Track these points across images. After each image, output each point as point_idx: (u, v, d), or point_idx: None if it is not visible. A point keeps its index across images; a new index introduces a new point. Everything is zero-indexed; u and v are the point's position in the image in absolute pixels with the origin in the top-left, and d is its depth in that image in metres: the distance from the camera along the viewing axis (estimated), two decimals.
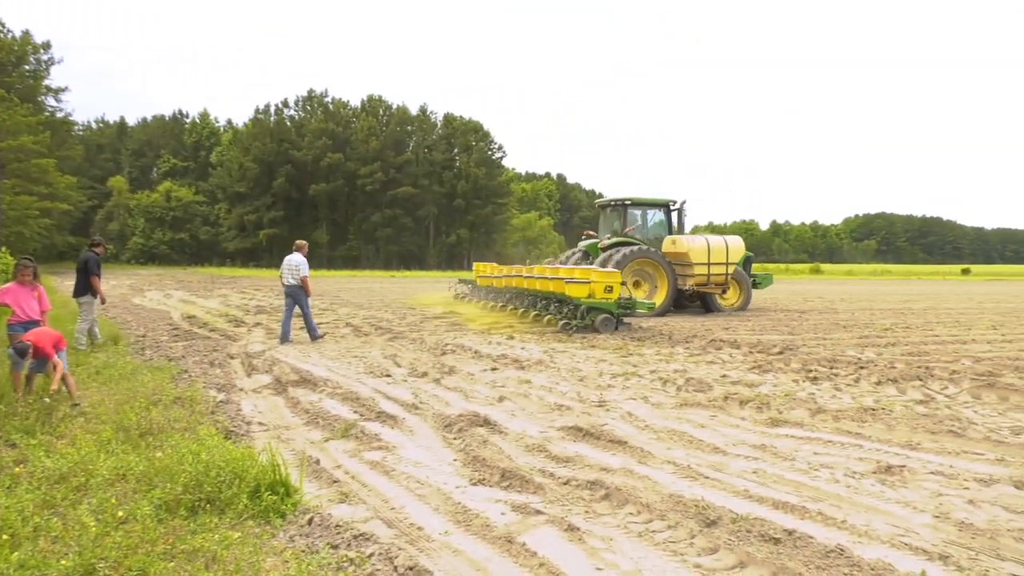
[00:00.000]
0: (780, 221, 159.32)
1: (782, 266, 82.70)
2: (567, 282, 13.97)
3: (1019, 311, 21.22)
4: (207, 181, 70.63)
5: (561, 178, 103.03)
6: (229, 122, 79.37)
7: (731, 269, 18.62)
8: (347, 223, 70.46)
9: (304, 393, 7.63)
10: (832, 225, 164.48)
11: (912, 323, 16.43)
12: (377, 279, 43.28)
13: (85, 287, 10.19)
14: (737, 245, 18.94)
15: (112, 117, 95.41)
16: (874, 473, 4.92)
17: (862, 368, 9.21)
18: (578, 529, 3.88)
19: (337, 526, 3.86)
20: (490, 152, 74.83)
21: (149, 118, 79.31)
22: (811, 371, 9.01)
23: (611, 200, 19.46)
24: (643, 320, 15.76)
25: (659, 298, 17.41)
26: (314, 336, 11.94)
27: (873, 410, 6.86)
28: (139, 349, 10.46)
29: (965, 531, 3.90)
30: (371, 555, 3.50)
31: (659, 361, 9.93)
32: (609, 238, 18.36)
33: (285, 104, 72.88)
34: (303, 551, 3.57)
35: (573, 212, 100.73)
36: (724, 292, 18.99)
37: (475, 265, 21.55)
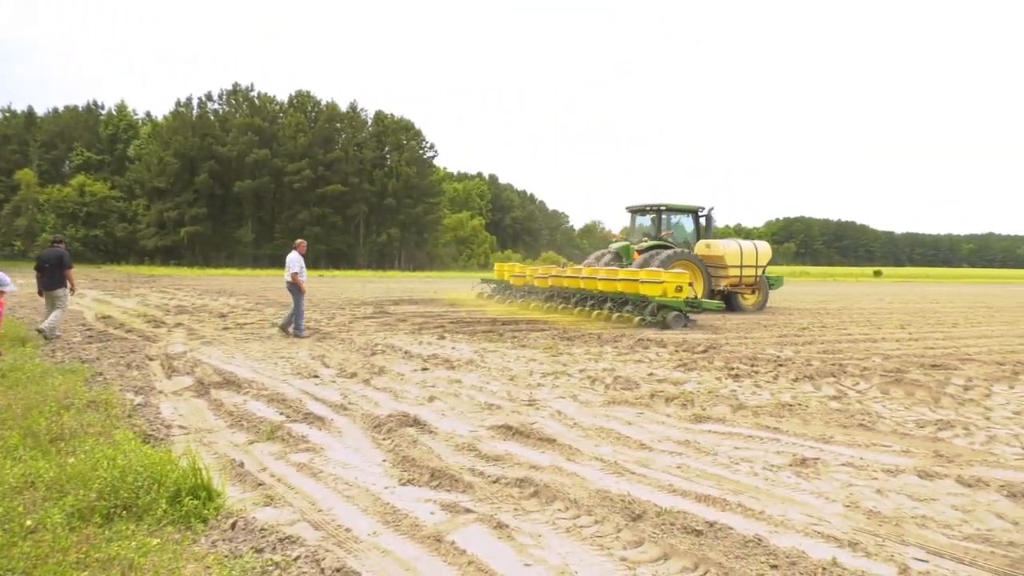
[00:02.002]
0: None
1: None
2: (641, 283, 15.20)
3: (925, 311, 22.47)
4: (124, 176, 67.55)
5: (493, 178, 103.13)
6: (148, 115, 76.26)
7: (760, 271, 20.11)
8: (274, 221, 68.70)
9: (228, 395, 7.42)
10: (754, 228, 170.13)
11: (828, 322, 17.18)
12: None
13: (59, 281, 11.04)
14: (765, 249, 20.48)
15: (19, 106, 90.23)
16: (790, 466, 5.14)
17: (781, 366, 9.58)
18: (507, 526, 3.91)
19: (262, 530, 3.78)
20: (421, 151, 74.24)
21: (61, 108, 75.52)
22: (733, 369, 9.32)
23: (645, 206, 20.56)
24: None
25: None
26: (293, 332, 12.43)
27: (790, 406, 7.16)
28: (49, 351, 9.96)
29: (873, 519, 4.12)
30: (297, 558, 3.44)
31: (588, 360, 10.09)
32: (643, 241, 19.54)
33: (208, 97, 70.49)
34: (226, 556, 3.48)
35: (505, 212, 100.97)
36: (754, 292, 20.35)
37: (497, 266, 23.63)
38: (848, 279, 66.78)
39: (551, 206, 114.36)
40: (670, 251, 18.41)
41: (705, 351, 11.04)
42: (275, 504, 4.24)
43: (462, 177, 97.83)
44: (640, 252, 18.86)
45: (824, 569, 3.39)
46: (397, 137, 73.12)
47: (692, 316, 15.44)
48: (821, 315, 19.78)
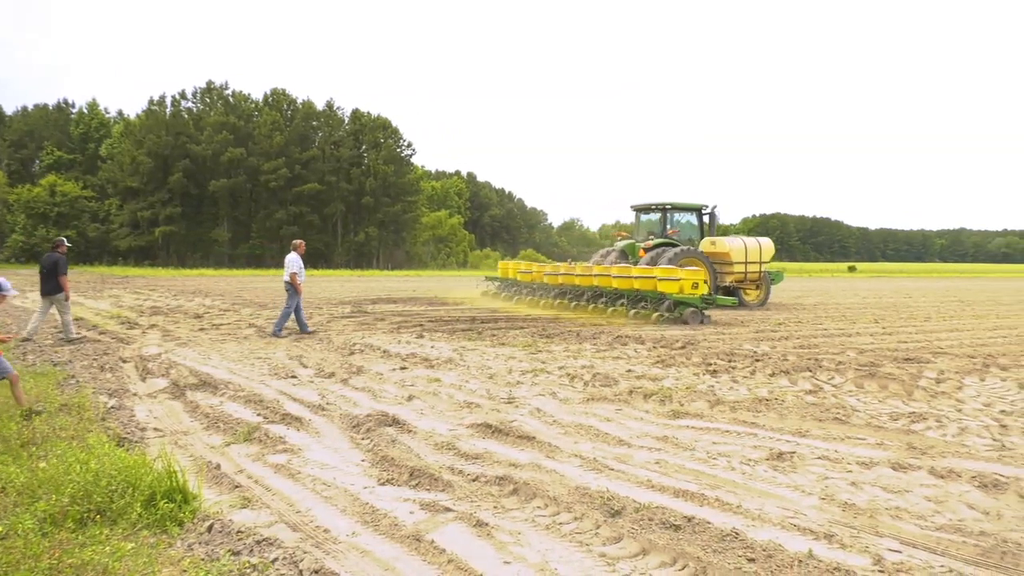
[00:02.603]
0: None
1: None
2: (659, 280, 15.61)
3: (898, 306, 22.81)
4: (96, 175, 66.48)
5: (471, 176, 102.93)
6: (120, 113, 75.11)
7: (763, 267, 20.73)
8: (250, 220, 67.95)
9: (204, 396, 7.34)
10: (731, 225, 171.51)
11: (803, 318, 17.37)
12: (282, 278, 42.03)
13: (57, 286, 11.27)
14: (768, 246, 20.86)
15: None
16: (767, 460, 5.19)
17: (757, 361, 9.67)
18: (487, 524, 3.91)
19: (239, 532, 3.74)
20: (399, 149, 73.88)
21: (30, 107, 74.13)
22: (711, 365, 9.39)
23: (651, 204, 20.92)
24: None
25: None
26: (276, 332, 12.55)
27: (767, 400, 7.23)
28: (20, 354, 9.78)
29: (848, 511, 4.17)
30: (275, 560, 3.42)
31: (567, 357, 10.11)
32: (649, 239, 19.89)
33: (182, 96, 69.58)
34: (202, 559, 3.44)
35: (483, 210, 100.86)
36: (758, 288, 20.77)
37: (501, 264, 24.06)
38: (823, 275, 67.59)
39: (529, 204, 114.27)
40: (677, 249, 18.74)
41: (683, 347, 11.11)
42: (252, 506, 4.20)
43: (440, 175, 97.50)
44: (646, 250, 19.23)
45: (800, 561, 3.43)
46: (374, 135, 72.69)
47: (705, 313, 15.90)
48: (797, 311, 20.00)
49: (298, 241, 13.40)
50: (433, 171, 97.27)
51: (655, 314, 15.16)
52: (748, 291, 20.72)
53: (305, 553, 3.49)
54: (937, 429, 6.17)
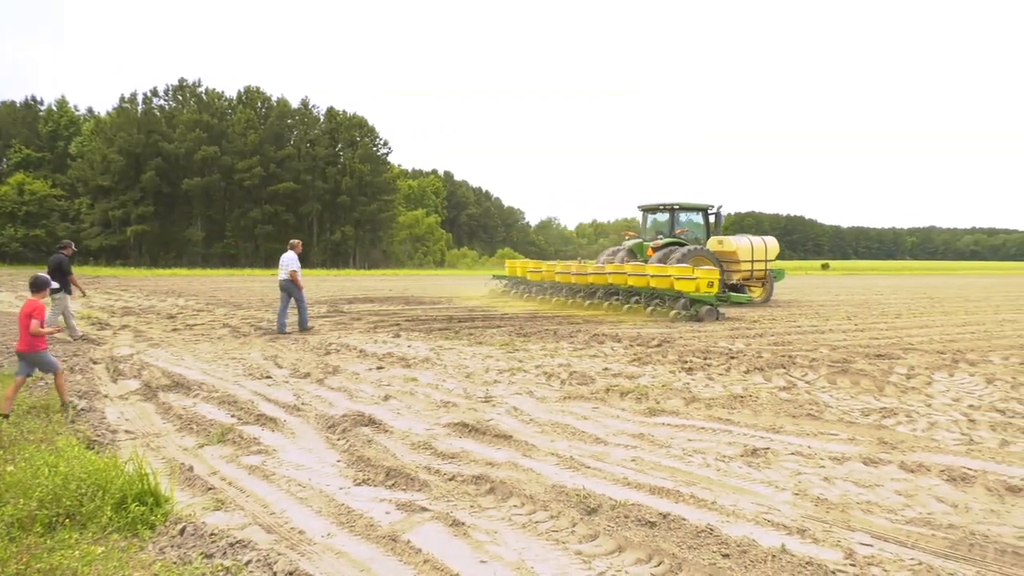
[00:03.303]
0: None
1: None
2: (676, 279, 16.01)
3: (870, 303, 23.15)
4: (65, 174, 65.30)
5: (448, 175, 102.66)
6: (90, 110, 73.85)
7: (769, 265, 21.43)
8: (224, 220, 67.15)
9: (177, 398, 7.25)
10: None
11: (777, 315, 17.56)
12: (257, 278, 41.58)
13: (64, 285, 11.41)
14: (773, 245, 21.63)
15: None
16: (742, 456, 5.24)
17: (732, 358, 9.76)
18: (463, 524, 3.90)
19: (212, 535, 3.70)
20: (375, 148, 73.47)
21: None
22: (687, 362, 9.46)
23: (658, 205, 21.43)
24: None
25: None
26: (303, 327, 13.00)
27: (742, 397, 7.30)
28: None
29: (821, 506, 4.23)
30: (248, 562, 3.38)
31: (544, 356, 10.12)
32: (657, 238, 20.41)
33: (154, 93, 68.61)
34: (174, 563, 3.40)
35: (460, 209, 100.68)
36: (764, 285, 21.35)
37: (508, 263, 24.95)
38: (797, 272, 68.33)
39: (507, 203, 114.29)
40: (686, 248, 19.21)
41: (659, 345, 11.18)
42: (226, 508, 4.15)
43: (417, 174, 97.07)
44: (655, 249, 19.70)
45: (774, 556, 3.46)
46: (350, 134, 72.22)
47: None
48: (771, 308, 20.20)
49: (295, 241, 13.68)
50: (410, 170, 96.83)
51: (673, 312, 15.70)
52: (753, 288, 21.28)
53: (279, 555, 3.46)
54: (907, 424, 6.27)
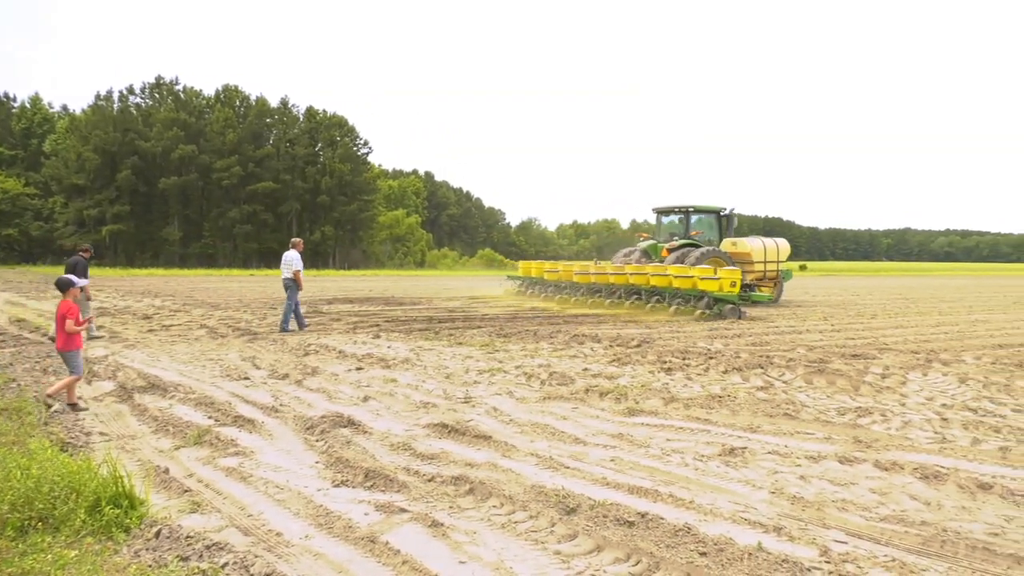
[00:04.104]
0: (640, 220, 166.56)
1: None
2: (700, 279, 16.49)
3: (847, 303, 23.43)
4: (39, 172, 64.25)
5: (428, 175, 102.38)
6: (64, 108, 72.74)
7: (781, 266, 22.22)
8: (202, 219, 66.43)
9: (152, 399, 7.17)
10: None
11: (755, 315, 17.71)
12: (235, 278, 41.24)
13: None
14: (784, 246, 22.46)
15: None
16: (719, 455, 5.28)
17: (711, 358, 9.83)
18: (442, 525, 3.90)
19: (188, 537, 3.66)
20: (355, 148, 73.06)
21: None
22: (666, 362, 9.51)
23: (673, 207, 22.14)
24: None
25: None
26: (284, 328, 12.98)
27: (720, 397, 7.35)
28: None
29: (797, 504, 4.27)
30: (225, 565, 3.35)
31: (524, 356, 10.14)
32: (672, 240, 20.98)
33: (130, 91, 67.69)
34: (149, 566, 3.36)
35: (441, 209, 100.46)
36: (775, 286, 21.87)
37: (522, 264, 25.09)
38: None
39: (487, 203, 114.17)
40: (701, 249, 19.64)
41: (639, 345, 11.23)
42: (202, 510, 4.12)
43: (397, 174, 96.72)
44: (670, 250, 20.15)
45: (750, 554, 3.50)
46: (330, 133, 71.77)
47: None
48: (748, 308, 20.37)
49: (297, 240, 13.72)
50: (390, 170, 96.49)
51: (697, 311, 16.28)
52: (763, 288, 21.58)
53: (256, 557, 3.44)
54: (882, 423, 6.36)
